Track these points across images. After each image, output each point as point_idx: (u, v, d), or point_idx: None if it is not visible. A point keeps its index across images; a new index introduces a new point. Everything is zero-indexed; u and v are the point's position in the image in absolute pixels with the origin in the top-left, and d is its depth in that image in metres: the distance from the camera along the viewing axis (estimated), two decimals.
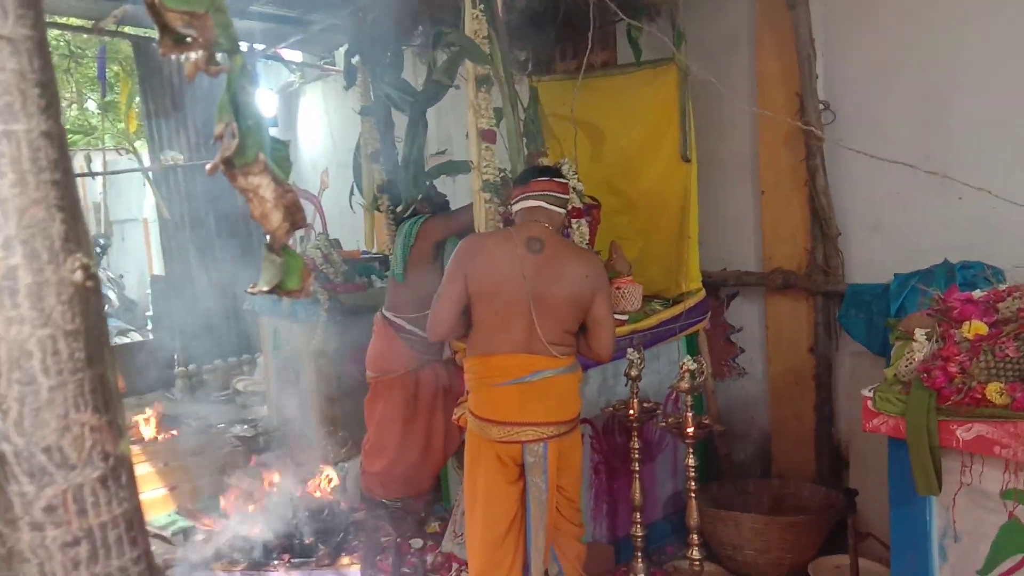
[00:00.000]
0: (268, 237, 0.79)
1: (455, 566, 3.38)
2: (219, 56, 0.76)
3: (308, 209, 6.99)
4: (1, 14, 0.59)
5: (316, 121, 7.39)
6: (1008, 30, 2.86)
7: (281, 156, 0.78)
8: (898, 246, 3.23)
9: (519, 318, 2.49)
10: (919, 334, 2.10)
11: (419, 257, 3.52)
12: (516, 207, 2.65)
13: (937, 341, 2.07)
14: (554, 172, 2.70)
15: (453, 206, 3.79)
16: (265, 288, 0.80)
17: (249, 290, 0.83)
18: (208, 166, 0.75)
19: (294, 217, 0.77)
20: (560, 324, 2.52)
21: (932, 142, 3.09)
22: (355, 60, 4.01)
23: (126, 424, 0.65)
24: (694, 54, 3.52)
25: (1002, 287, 2.18)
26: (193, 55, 0.71)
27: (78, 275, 0.59)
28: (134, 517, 0.65)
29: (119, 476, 0.63)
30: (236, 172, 0.74)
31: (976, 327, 1.99)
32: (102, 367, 0.62)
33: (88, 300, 0.60)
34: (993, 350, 1.92)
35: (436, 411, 3.66)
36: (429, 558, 3.48)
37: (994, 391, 1.87)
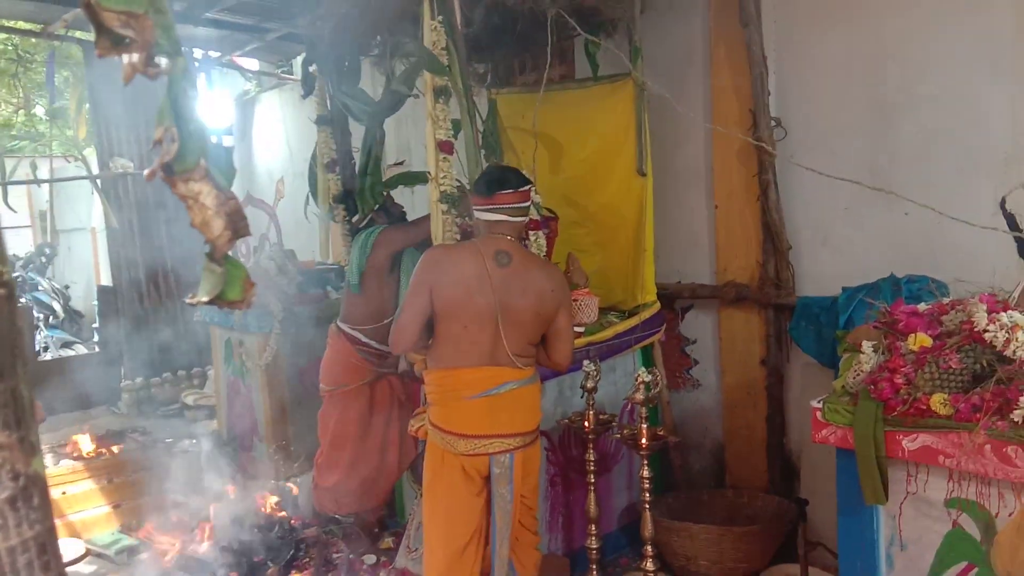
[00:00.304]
0: (209, 246, 0.76)
1: None
2: (160, 59, 0.74)
3: (263, 219, 6.88)
4: None
5: (272, 130, 7.30)
6: (953, 51, 2.96)
7: (223, 162, 0.75)
8: (847, 260, 3.30)
9: (486, 331, 2.48)
10: (866, 346, 2.14)
11: (375, 268, 3.48)
12: (479, 216, 2.60)
13: (884, 353, 2.11)
14: (517, 181, 2.59)
15: (410, 217, 3.77)
16: (204, 299, 0.77)
17: (188, 301, 0.80)
18: (146, 172, 0.72)
19: (236, 225, 0.75)
20: (525, 336, 2.53)
21: (880, 158, 3.18)
22: (312, 68, 3.97)
23: (39, 441, 0.62)
24: (650, 70, 3.57)
25: (946, 301, 2.24)
26: (130, 57, 0.69)
27: None
28: (47, 540, 0.61)
29: (30, 497, 0.59)
30: (176, 178, 0.71)
31: (921, 339, 2.04)
32: (14, 380, 0.58)
33: (1, 309, 0.57)
34: (937, 362, 1.97)
35: (391, 424, 3.62)
36: (382, 574, 3.43)
37: (938, 402, 1.92)
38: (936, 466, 1.94)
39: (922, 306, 2.23)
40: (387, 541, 3.71)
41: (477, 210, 2.60)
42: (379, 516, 3.81)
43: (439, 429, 2.55)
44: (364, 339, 3.53)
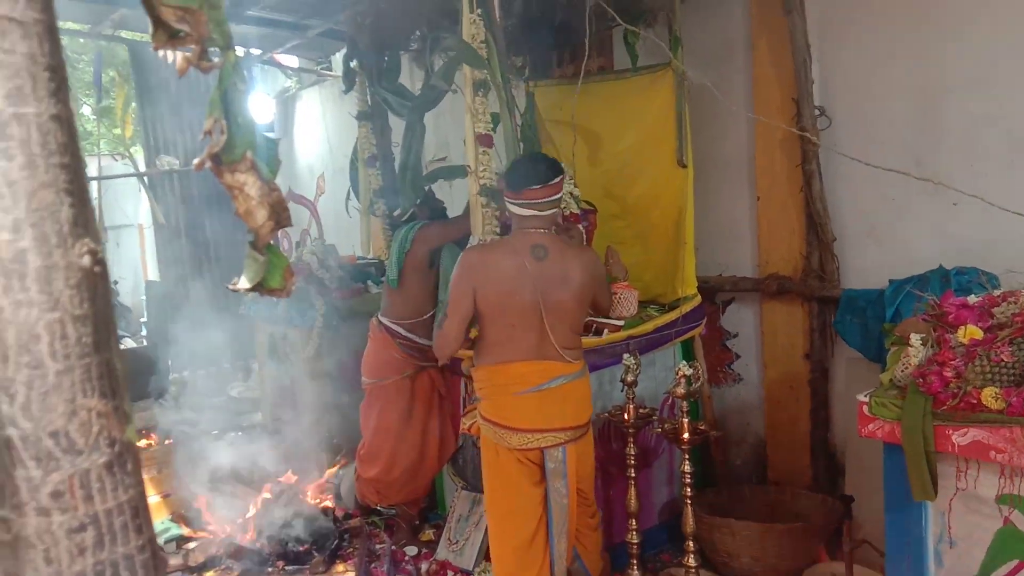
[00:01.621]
0: (251, 235, 0.79)
1: (450, 573, 3.36)
2: (213, 53, 0.77)
3: (304, 214, 6.98)
4: None
5: (313, 126, 7.40)
6: (999, 37, 2.88)
7: (270, 154, 0.78)
8: (893, 252, 3.24)
9: (531, 326, 2.51)
10: (915, 339, 2.10)
11: (414, 264, 3.51)
12: (510, 209, 2.60)
13: (933, 346, 2.07)
14: (547, 174, 2.54)
15: (450, 211, 3.79)
16: (246, 286, 0.80)
17: (230, 287, 0.83)
18: (195, 161, 0.75)
19: (279, 215, 0.77)
20: (569, 326, 2.57)
21: (927, 147, 3.11)
22: (354, 64, 4.02)
23: (132, 411, 0.65)
24: (691, 59, 3.54)
25: (996, 292, 2.19)
26: (186, 51, 0.72)
27: (86, 260, 0.59)
28: (140, 504, 0.65)
29: (125, 463, 0.63)
30: (223, 168, 0.74)
31: (971, 332, 1.99)
32: (109, 353, 0.61)
33: (96, 286, 0.60)
34: (988, 355, 1.93)
35: (432, 417, 3.66)
36: (424, 565, 3.47)
37: (989, 396, 1.88)
38: (987, 461, 1.90)
39: (972, 298, 2.18)
40: (428, 533, 3.75)
41: (508, 203, 2.61)
42: (420, 508, 3.85)
43: (491, 423, 2.57)
44: (404, 333, 3.56)
